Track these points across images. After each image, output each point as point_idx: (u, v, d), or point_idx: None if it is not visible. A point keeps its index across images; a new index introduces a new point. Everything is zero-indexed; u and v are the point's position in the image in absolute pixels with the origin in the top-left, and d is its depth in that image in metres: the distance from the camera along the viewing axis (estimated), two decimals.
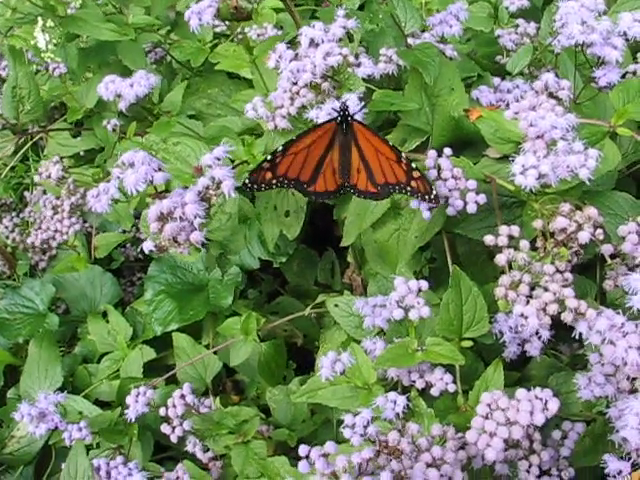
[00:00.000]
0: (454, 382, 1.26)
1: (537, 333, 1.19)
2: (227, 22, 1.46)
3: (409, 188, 1.20)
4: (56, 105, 2.11)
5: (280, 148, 1.23)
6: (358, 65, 1.41)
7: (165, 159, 1.28)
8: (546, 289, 1.08)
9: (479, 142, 1.39)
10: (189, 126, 1.71)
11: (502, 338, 1.31)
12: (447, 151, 1.23)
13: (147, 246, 1.09)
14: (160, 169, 1.09)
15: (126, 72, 1.68)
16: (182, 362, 1.67)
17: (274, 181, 1.24)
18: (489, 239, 1.11)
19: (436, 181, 1.22)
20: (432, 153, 1.22)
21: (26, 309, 1.87)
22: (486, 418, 1.07)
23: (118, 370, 1.74)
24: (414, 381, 1.28)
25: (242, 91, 1.71)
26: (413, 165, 1.19)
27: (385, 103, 1.37)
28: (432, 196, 1.18)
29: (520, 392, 1.08)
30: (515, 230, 1.11)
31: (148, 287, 1.75)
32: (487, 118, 1.29)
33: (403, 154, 1.20)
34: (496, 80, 1.51)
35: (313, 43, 1.29)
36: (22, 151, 1.99)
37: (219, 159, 1.12)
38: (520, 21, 1.68)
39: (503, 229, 1.11)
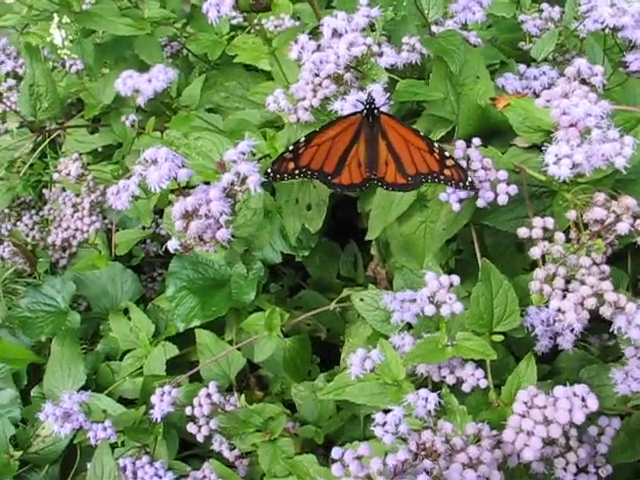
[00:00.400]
0: (485, 377, 1.22)
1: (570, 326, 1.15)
2: (245, 13, 1.41)
3: (442, 177, 1.17)
4: (73, 102, 2.08)
5: (303, 139, 1.19)
6: (380, 55, 1.36)
7: (187, 154, 1.24)
8: (583, 282, 1.03)
9: (506, 131, 1.34)
10: (208, 120, 1.67)
11: (533, 332, 1.27)
12: (476, 141, 1.19)
13: (172, 245, 1.05)
14: (184, 165, 1.05)
15: (143, 67, 1.65)
16: (205, 359, 1.63)
17: (297, 171, 1.21)
18: (523, 232, 1.07)
19: None
20: (460, 143, 1.18)
21: (48, 307, 1.84)
22: (523, 417, 1.03)
23: (141, 367, 1.71)
24: (444, 377, 1.24)
25: (261, 83, 1.66)
26: (446, 153, 1.14)
27: (409, 93, 1.33)
28: (467, 183, 1.14)
29: (558, 390, 1.04)
30: (549, 222, 1.07)
31: (169, 283, 1.71)
32: (515, 106, 1.25)
33: (435, 143, 1.16)
34: (521, 67, 1.46)
35: (336, 33, 1.24)
36: (40, 148, 1.95)
37: (244, 154, 1.08)
38: (544, 5, 1.62)
39: (537, 221, 1.06)
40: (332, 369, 1.79)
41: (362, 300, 1.45)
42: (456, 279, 1.12)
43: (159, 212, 1.77)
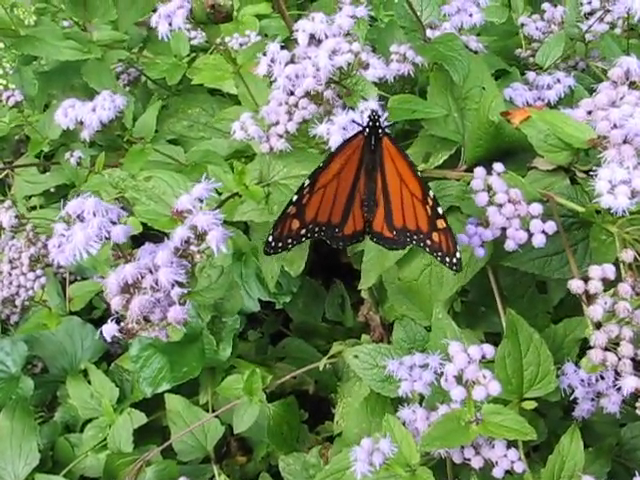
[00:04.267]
0: (521, 459, 0.90)
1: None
2: (203, 26, 1.09)
3: (429, 242, 0.85)
4: (22, 138, 1.74)
5: (307, 182, 0.86)
6: (365, 67, 1.04)
7: (135, 199, 0.91)
8: None
9: (518, 152, 1.04)
10: (168, 153, 1.34)
11: (572, 395, 0.97)
12: (498, 167, 0.88)
13: (108, 331, 0.71)
14: (119, 219, 0.72)
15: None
16: (178, 428, 1.31)
17: (303, 231, 0.88)
18: (576, 286, 0.76)
19: (487, 207, 0.86)
20: (480, 171, 0.87)
21: None
22: None
23: (105, 439, 1.37)
24: (469, 459, 0.92)
25: (226, 108, 1.34)
26: (439, 210, 0.83)
27: (404, 111, 1.02)
28: (455, 259, 0.82)
29: None
30: (609, 270, 0.75)
31: (133, 341, 1.37)
32: (538, 121, 0.94)
33: (431, 192, 0.84)
34: (530, 75, 1.16)
35: (314, 40, 0.93)
36: None
37: (201, 200, 0.75)
38: (546, 5, 1.32)
39: (595, 270, 0.75)
40: (322, 423, 1.49)
41: (357, 357, 1.14)
42: (490, 350, 0.80)
43: None
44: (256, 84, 1.20)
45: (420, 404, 0.99)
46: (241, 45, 1.51)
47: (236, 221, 1.11)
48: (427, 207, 0.84)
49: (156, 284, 0.69)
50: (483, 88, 1.06)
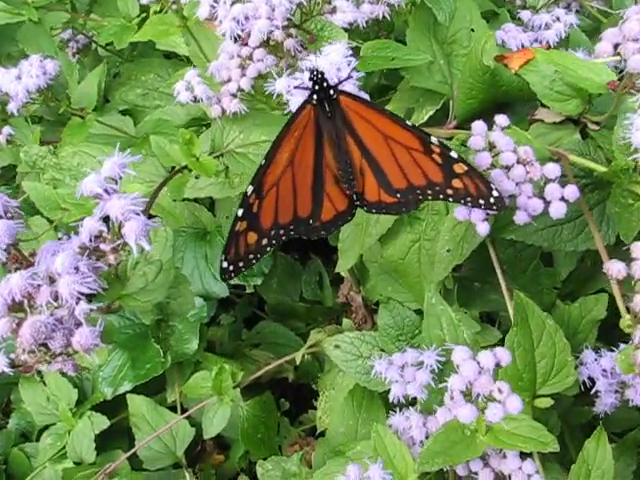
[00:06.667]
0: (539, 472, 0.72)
1: None
2: None
3: (450, 191, 0.67)
4: None
5: (250, 189, 0.69)
6: (332, 11, 0.83)
7: (56, 181, 0.70)
8: None
9: (517, 103, 0.84)
10: (115, 125, 1.13)
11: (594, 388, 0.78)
12: (501, 120, 0.68)
13: None
14: (7, 211, 0.51)
15: None
16: (143, 434, 1.11)
17: (265, 241, 0.71)
18: (616, 269, 0.56)
19: (490, 170, 0.66)
20: (479, 126, 0.67)
21: None
22: None
23: (64, 448, 1.17)
24: (475, 473, 0.74)
25: (179, 70, 1.13)
26: (453, 154, 0.63)
27: (381, 59, 0.81)
28: (493, 198, 0.63)
29: None
30: None
31: None
32: (544, 63, 0.74)
33: (433, 138, 0.66)
34: (525, 14, 0.95)
35: None
36: None
37: (115, 181, 0.54)
38: None
39: (637, 249, 0.55)
40: (305, 412, 1.31)
41: (338, 347, 0.95)
42: (505, 356, 0.61)
43: None
44: (208, 39, 0.99)
45: (411, 405, 0.81)
46: None
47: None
48: (434, 156, 0.68)
49: (56, 299, 0.48)
50: (472, 30, 0.86)
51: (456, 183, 0.66)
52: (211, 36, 0.97)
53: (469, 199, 0.66)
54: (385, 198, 0.72)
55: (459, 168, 0.66)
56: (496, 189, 0.64)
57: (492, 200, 0.64)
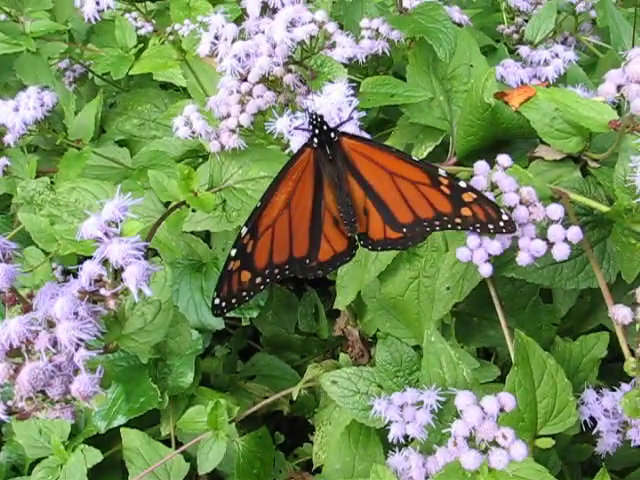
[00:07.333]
0: None
1: None
2: (139, 2, 0.87)
3: (458, 220, 0.67)
4: None
5: (244, 230, 0.68)
6: (332, 47, 0.83)
7: (54, 217, 0.69)
8: None
9: (517, 140, 0.84)
10: (111, 156, 1.12)
11: (595, 429, 0.77)
12: (503, 160, 0.67)
13: None
14: (4, 254, 0.50)
15: None
16: (136, 468, 1.09)
17: (259, 280, 0.70)
18: (622, 315, 0.55)
19: None
20: (482, 166, 0.66)
21: None
22: None
23: None
24: None
25: (177, 102, 1.12)
26: (462, 183, 0.64)
27: (381, 95, 0.81)
28: (502, 222, 0.64)
29: None
30: None
31: None
32: (545, 100, 0.73)
33: (441, 170, 0.65)
34: (524, 50, 0.95)
35: (268, 9, 0.71)
36: None
37: (116, 224, 0.53)
38: None
39: None
40: (300, 445, 1.28)
41: (335, 383, 0.94)
42: (509, 401, 0.60)
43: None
44: (206, 73, 0.99)
45: (409, 442, 0.79)
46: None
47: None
48: (442, 188, 0.67)
49: (54, 345, 0.47)
50: (471, 66, 0.85)
51: (465, 211, 0.66)
52: (209, 69, 0.98)
53: (478, 225, 0.66)
54: (391, 234, 0.71)
55: (468, 197, 0.65)
56: (506, 213, 0.64)
57: (501, 224, 0.64)
